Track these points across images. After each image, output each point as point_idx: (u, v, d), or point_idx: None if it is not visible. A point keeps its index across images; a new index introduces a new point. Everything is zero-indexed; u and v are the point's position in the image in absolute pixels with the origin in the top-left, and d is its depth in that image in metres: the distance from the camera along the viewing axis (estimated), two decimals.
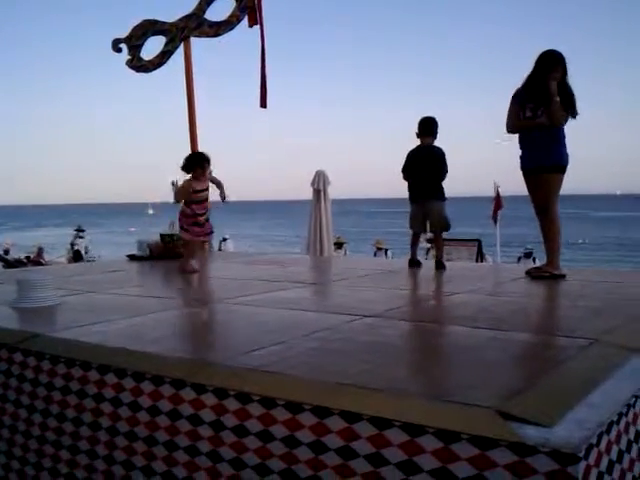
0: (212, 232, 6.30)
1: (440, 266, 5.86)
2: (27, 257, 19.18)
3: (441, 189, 5.92)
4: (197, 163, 5.85)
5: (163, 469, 2.42)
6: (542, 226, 5.02)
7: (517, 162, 5.12)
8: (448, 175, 5.89)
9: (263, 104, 7.96)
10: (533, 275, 4.98)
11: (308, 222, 11.54)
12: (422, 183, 5.89)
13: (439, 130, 5.94)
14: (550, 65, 4.88)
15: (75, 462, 2.72)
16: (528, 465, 1.67)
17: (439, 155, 5.90)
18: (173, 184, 6.33)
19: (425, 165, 5.86)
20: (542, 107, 4.87)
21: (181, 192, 5.88)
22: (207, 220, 6.00)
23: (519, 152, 5.10)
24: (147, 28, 8.53)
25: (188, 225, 5.87)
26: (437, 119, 5.97)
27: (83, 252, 20.77)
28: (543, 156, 4.92)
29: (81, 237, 21.45)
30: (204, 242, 6.60)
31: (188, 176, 5.84)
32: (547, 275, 4.90)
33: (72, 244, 21.13)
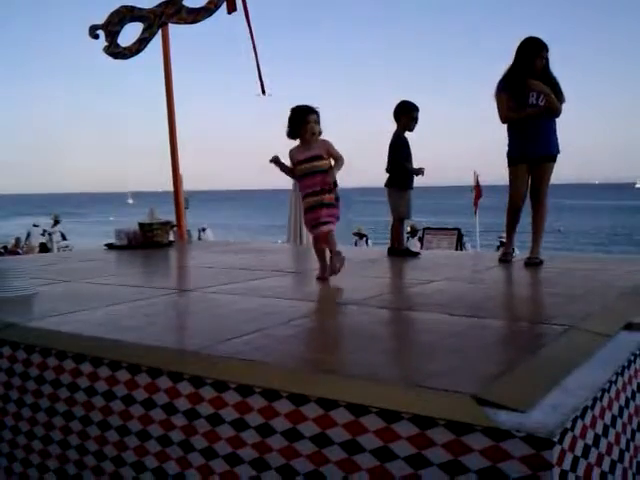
0: (323, 223, 4.31)
1: (392, 252, 5.95)
2: (4, 247, 18.95)
3: (393, 177, 5.96)
4: (297, 120, 4.30)
5: (134, 459, 2.41)
6: (535, 214, 5.10)
7: (499, 152, 5.15)
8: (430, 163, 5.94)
9: (262, 91, 7.86)
10: (527, 263, 5.00)
11: (287, 211, 11.51)
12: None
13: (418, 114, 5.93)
14: (535, 51, 4.90)
15: (48, 452, 2.70)
16: (503, 450, 1.68)
17: (390, 142, 5.97)
18: (275, 161, 4.43)
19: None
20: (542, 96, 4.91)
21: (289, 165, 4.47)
22: (321, 206, 4.27)
23: (516, 141, 5.09)
24: (124, 14, 8.41)
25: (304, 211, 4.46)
26: (406, 103, 5.94)
27: (59, 240, 20.44)
28: (554, 144, 5.04)
29: (36, 226, 20.74)
30: (320, 236, 4.40)
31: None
32: (538, 262, 4.97)
33: (45, 233, 20.75)
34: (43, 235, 20.38)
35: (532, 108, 4.94)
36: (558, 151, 5.05)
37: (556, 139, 5.04)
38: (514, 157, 5.11)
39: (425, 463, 1.78)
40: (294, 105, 4.38)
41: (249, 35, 7.70)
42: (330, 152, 4.33)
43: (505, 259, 5.24)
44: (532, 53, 4.89)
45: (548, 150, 5.01)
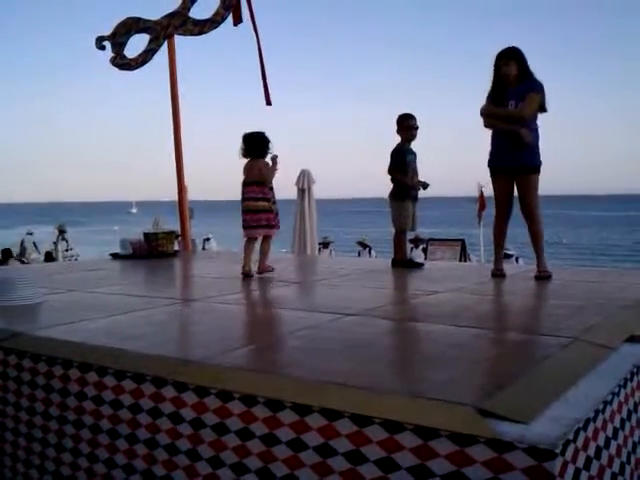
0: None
1: (395, 263, 5.98)
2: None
3: (394, 188, 6.00)
4: (267, 144, 5.35)
5: (143, 467, 2.43)
6: (530, 228, 5.01)
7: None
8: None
9: (268, 102, 7.87)
10: (537, 277, 4.93)
11: (292, 222, 11.55)
12: None
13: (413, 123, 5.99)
14: (496, 62, 4.98)
15: (60, 460, 2.73)
16: (505, 461, 1.69)
17: (390, 154, 6.01)
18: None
19: None
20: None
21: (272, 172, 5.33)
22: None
23: (495, 150, 5.07)
24: (131, 26, 8.47)
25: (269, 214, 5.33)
26: (401, 115, 6.00)
27: (64, 249, 20.46)
28: (534, 155, 4.95)
29: (30, 234, 20.62)
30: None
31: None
32: (547, 275, 4.91)
33: (55, 243, 20.78)
34: (37, 245, 20.28)
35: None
36: (538, 162, 4.97)
37: (533, 150, 4.94)
38: (492, 167, 5.09)
39: (428, 474, 1.79)
40: (257, 131, 5.35)
41: (256, 45, 7.72)
42: None
43: (497, 274, 5.14)
44: (495, 65, 4.99)
45: (527, 161, 4.92)
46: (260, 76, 7.81)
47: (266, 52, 7.74)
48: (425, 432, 1.81)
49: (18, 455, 2.90)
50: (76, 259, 18.18)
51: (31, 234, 20.53)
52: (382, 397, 2.05)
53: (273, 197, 5.29)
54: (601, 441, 2.00)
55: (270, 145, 5.32)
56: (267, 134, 5.35)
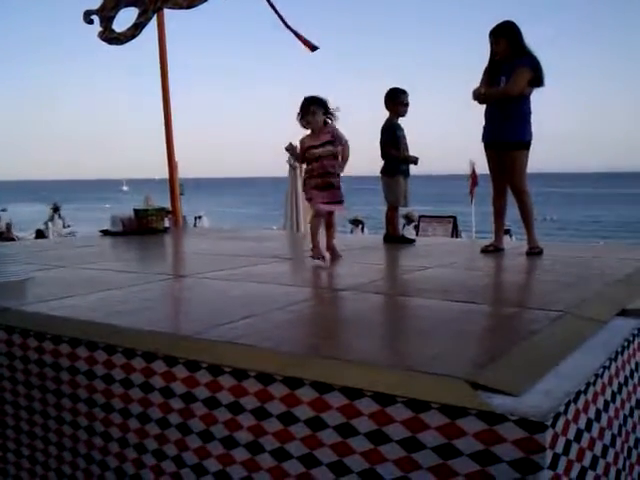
0: (341, 201, 4.64)
1: (387, 239, 5.98)
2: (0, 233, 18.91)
3: (386, 164, 5.96)
4: (302, 108, 4.57)
5: (135, 441, 2.44)
6: (517, 205, 4.98)
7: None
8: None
9: (312, 48, 7.47)
10: (528, 253, 4.91)
11: (285, 199, 11.52)
12: None
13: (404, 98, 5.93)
14: (489, 40, 4.94)
15: (61, 432, 2.73)
16: (496, 433, 1.69)
17: (381, 130, 5.96)
18: (288, 150, 4.74)
19: None
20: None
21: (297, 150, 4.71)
22: (333, 186, 4.57)
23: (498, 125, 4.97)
24: (119, 0, 8.35)
25: (309, 189, 4.63)
26: (392, 90, 5.92)
27: (60, 228, 20.39)
28: (515, 131, 4.85)
29: (4, 210, 20.55)
30: (330, 215, 4.73)
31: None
32: (538, 251, 4.89)
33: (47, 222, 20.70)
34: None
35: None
36: (525, 138, 4.86)
37: (517, 126, 4.83)
38: (483, 142, 5.07)
39: (419, 446, 1.80)
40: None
41: (270, 6, 7.44)
42: (336, 135, 4.56)
43: (488, 250, 5.11)
44: (489, 41, 4.95)
45: (511, 136, 4.82)
46: (290, 32, 7.44)
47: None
48: (416, 405, 1.81)
49: (21, 426, 2.90)
50: (74, 236, 18.15)
51: (5, 210, 20.45)
52: (374, 370, 2.04)
53: (312, 170, 4.58)
54: (592, 414, 2.00)
55: (310, 107, 4.52)
56: (317, 96, 4.58)
